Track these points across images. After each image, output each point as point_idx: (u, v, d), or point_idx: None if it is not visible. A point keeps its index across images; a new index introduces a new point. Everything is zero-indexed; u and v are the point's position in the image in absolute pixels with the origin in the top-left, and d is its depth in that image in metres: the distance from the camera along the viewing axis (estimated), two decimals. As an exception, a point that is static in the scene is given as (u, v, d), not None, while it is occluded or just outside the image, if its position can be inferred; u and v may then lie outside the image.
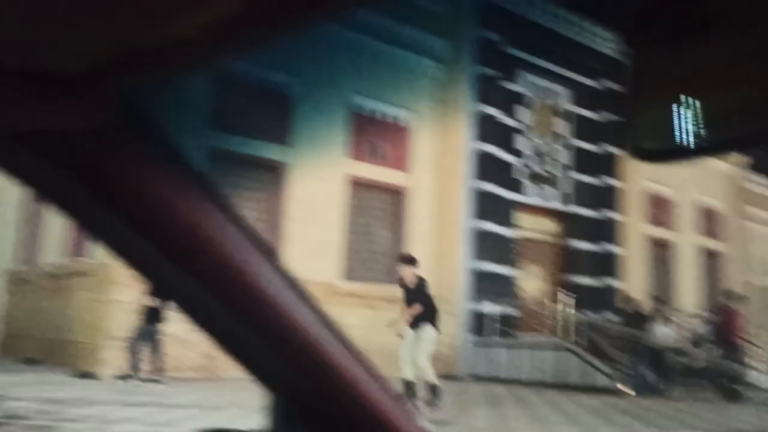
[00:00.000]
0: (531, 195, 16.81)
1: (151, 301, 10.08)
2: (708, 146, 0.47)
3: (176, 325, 11.17)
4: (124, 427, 6.46)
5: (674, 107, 0.47)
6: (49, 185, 0.56)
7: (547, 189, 17.18)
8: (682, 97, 0.46)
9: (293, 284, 0.62)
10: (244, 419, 7.19)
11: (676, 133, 0.47)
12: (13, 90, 0.47)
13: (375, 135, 14.50)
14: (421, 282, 8.38)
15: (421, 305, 8.19)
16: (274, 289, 0.59)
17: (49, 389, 8.81)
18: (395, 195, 14.89)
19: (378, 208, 14.72)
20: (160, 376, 10.11)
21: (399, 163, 14.86)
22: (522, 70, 16.63)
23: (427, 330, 8.21)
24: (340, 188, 13.79)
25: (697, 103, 0.46)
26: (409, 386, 8.32)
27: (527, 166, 16.79)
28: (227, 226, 0.57)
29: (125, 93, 0.51)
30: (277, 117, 12.80)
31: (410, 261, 8.55)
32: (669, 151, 0.49)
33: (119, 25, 0.43)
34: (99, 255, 11.41)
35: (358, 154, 14.20)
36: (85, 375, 10.10)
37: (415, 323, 8.21)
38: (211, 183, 0.56)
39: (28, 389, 8.65)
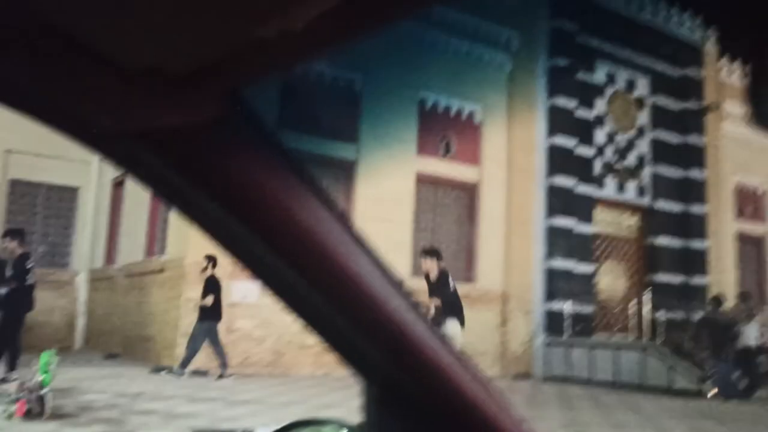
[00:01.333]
0: (609, 189, 16.20)
1: (207, 299, 10.27)
2: None
3: (245, 322, 11.36)
4: (188, 422, 6.54)
5: None
6: (160, 179, 0.58)
7: (627, 183, 16.52)
8: None
9: (388, 275, 0.63)
10: (309, 416, 7.18)
11: None
12: (128, 89, 0.49)
13: (445, 130, 14.30)
14: (443, 275, 8.13)
15: (442, 299, 7.92)
16: (369, 278, 0.60)
17: (122, 383, 9.09)
18: (466, 191, 14.65)
19: (448, 205, 14.51)
20: (223, 371, 10.25)
21: (469, 158, 14.59)
22: (598, 60, 16.05)
23: (450, 326, 7.89)
24: (410, 185, 13.67)
25: None
26: None
27: (605, 159, 16.20)
28: (327, 216, 0.58)
29: (233, 88, 0.52)
30: (344, 114, 12.79)
31: (432, 254, 8.33)
32: None
33: (230, 23, 0.44)
34: (173, 253, 11.72)
35: (428, 151, 14.03)
36: (160, 370, 10.35)
37: (438, 319, 7.96)
38: (312, 176, 0.58)
39: (103, 383, 8.95)
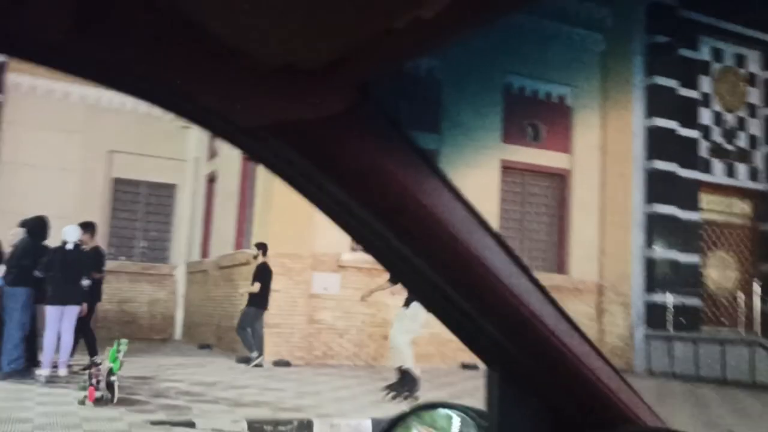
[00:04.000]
0: (717, 173, 15.09)
1: (254, 285, 10.34)
2: None
3: (326, 313, 11.38)
4: (251, 411, 6.57)
5: None
6: (291, 168, 0.59)
7: (737, 166, 15.32)
8: None
9: (515, 259, 0.62)
10: (378, 410, 7.05)
11: None
12: (265, 84, 0.51)
13: (532, 116, 13.77)
14: None
15: None
16: (494, 261, 0.61)
17: (203, 372, 9.31)
18: (556, 179, 14.05)
19: (536, 194, 13.97)
20: (256, 357, 10.29)
21: (559, 144, 13.98)
22: (701, 35, 14.96)
23: (413, 307, 7.35)
24: (495, 174, 13.25)
25: None
26: (404, 374, 7.73)
27: (712, 141, 15.10)
28: (451, 201, 0.60)
29: (361, 79, 0.54)
30: (425, 103, 12.55)
31: None
32: None
33: (366, 16, 0.45)
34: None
35: (514, 138, 13.55)
36: (245, 360, 10.54)
37: (408, 301, 7.59)
38: (437, 164, 0.60)
39: (184, 372, 9.21)
